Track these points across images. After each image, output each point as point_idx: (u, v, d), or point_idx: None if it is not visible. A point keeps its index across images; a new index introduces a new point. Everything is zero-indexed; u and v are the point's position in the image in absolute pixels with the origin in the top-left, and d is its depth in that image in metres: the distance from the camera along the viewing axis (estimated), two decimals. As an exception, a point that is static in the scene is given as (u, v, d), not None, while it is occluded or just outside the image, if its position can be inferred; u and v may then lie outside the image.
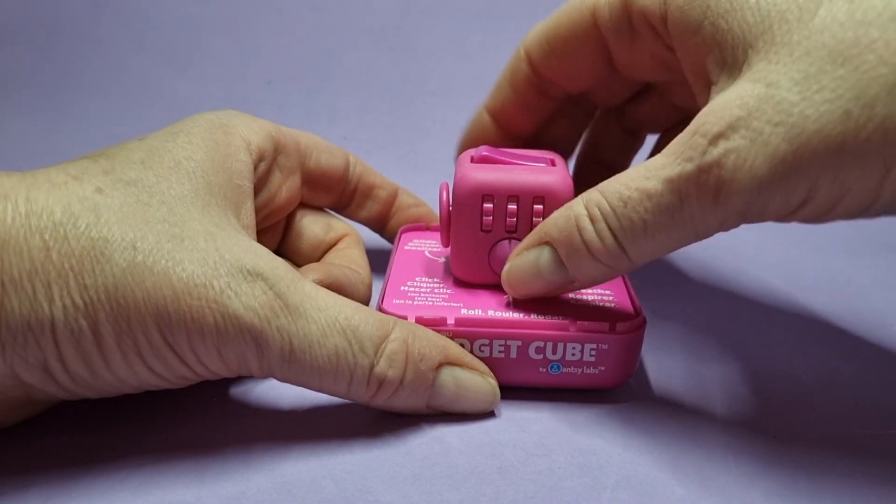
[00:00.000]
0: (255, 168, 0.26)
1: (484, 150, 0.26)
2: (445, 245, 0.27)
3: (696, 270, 0.36)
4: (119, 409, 0.24)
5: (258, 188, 0.27)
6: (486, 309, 0.25)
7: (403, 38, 0.58)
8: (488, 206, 0.25)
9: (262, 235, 0.29)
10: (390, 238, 0.34)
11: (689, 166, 0.20)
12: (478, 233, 0.26)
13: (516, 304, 0.25)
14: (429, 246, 0.31)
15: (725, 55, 0.21)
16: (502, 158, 0.26)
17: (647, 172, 0.21)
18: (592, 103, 0.31)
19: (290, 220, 0.31)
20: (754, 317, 0.32)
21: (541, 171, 0.26)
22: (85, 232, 0.19)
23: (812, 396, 0.26)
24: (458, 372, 0.23)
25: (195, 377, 0.21)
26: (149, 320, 0.19)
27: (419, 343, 0.22)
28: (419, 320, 0.24)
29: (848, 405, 0.26)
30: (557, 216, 0.23)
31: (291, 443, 0.22)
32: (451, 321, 0.24)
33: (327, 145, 0.31)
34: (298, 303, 0.21)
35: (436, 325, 0.24)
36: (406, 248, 0.30)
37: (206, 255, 0.20)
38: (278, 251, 0.31)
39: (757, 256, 0.38)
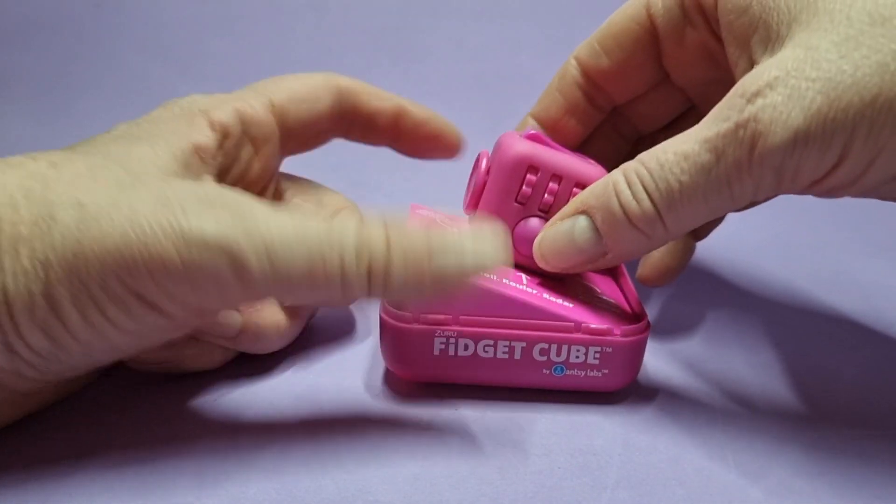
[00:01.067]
0: (222, 146, 0.25)
1: (531, 130, 0.26)
2: (471, 209, 0.27)
3: (697, 272, 0.36)
4: (119, 408, 0.24)
5: (227, 166, 0.25)
6: (501, 276, 0.24)
7: (403, 38, 0.58)
8: (531, 177, 0.25)
9: None
10: (405, 152, 0.31)
11: (727, 124, 0.20)
12: (511, 203, 0.25)
13: (529, 284, 0.25)
14: (440, 216, 0.29)
15: (770, 33, 0.22)
16: (550, 143, 0.26)
17: (686, 137, 0.21)
18: (634, 127, 0.31)
19: (278, 198, 0.29)
20: (754, 317, 0.32)
21: (586, 162, 0.26)
22: (35, 199, 0.19)
23: (812, 396, 0.26)
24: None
25: (172, 327, 0.20)
26: (105, 270, 0.18)
27: (406, 238, 0.20)
28: (418, 321, 0.24)
29: (848, 405, 0.26)
30: (595, 185, 0.23)
31: (292, 443, 0.22)
32: (454, 321, 0.24)
33: (306, 90, 0.28)
34: (267, 216, 0.20)
35: (440, 324, 0.24)
36: (417, 212, 0.29)
37: (158, 192, 0.19)
38: None
39: (757, 258, 0.38)
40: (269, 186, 0.29)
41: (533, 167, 0.25)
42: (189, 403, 0.24)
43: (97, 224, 0.19)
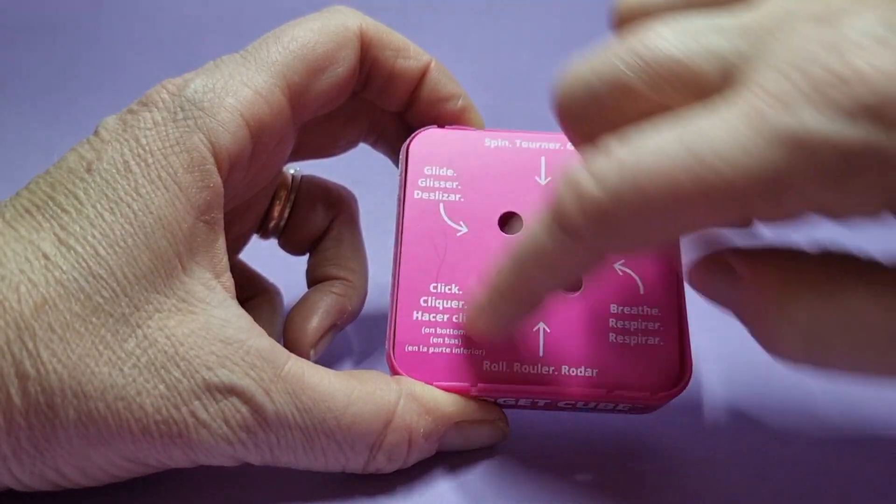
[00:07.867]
0: (230, 176, 0.21)
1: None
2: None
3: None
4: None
5: (235, 185, 0.22)
6: (512, 361, 0.22)
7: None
8: None
9: (242, 213, 0.25)
10: (411, 126, 0.25)
11: None
12: None
13: (548, 347, 0.22)
14: (444, 185, 0.23)
15: None
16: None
17: None
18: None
19: (282, 207, 0.27)
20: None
21: None
22: (34, 382, 0.17)
23: (812, 396, 0.26)
24: (466, 430, 0.22)
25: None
26: (111, 455, 0.18)
27: (424, 422, 0.21)
28: (435, 384, 0.22)
29: (848, 405, 0.26)
30: None
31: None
32: (473, 390, 0.22)
33: (323, 51, 0.23)
34: (279, 409, 0.19)
35: (455, 391, 0.22)
36: (416, 196, 0.23)
37: (165, 375, 0.18)
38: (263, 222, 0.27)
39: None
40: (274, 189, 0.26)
41: None
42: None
43: (105, 426, 0.18)
